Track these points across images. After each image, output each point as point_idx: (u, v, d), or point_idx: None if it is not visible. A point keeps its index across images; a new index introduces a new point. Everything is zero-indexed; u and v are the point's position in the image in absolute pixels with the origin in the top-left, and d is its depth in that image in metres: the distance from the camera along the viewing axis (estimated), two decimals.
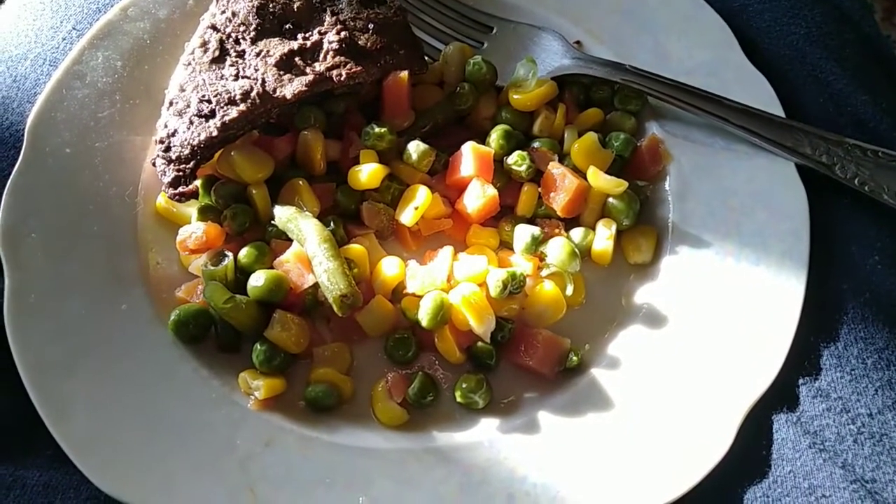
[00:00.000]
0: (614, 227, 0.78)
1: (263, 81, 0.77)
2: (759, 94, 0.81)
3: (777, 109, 0.80)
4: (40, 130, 0.78)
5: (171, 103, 0.78)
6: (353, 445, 0.69)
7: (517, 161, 0.78)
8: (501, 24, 0.89)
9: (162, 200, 0.79)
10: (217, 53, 0.79)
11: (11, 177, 0.76)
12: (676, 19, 0.87)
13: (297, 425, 0.70)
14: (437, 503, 0.66)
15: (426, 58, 0.85)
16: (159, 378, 0.71)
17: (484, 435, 0.70)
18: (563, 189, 0.77)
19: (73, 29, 0.87)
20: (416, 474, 0.68)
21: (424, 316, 0.70)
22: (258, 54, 0.78)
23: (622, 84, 0.82)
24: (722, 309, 0.74)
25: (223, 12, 0.80)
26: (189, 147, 0.75)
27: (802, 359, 0.71)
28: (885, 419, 0.67)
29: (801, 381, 0.70)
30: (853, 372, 0.69)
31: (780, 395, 0.69)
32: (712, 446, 0.67)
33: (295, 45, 0.78)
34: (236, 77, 0.77)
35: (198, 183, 0.78)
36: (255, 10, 0.80)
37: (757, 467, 0.68)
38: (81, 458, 0.67)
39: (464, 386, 0.71)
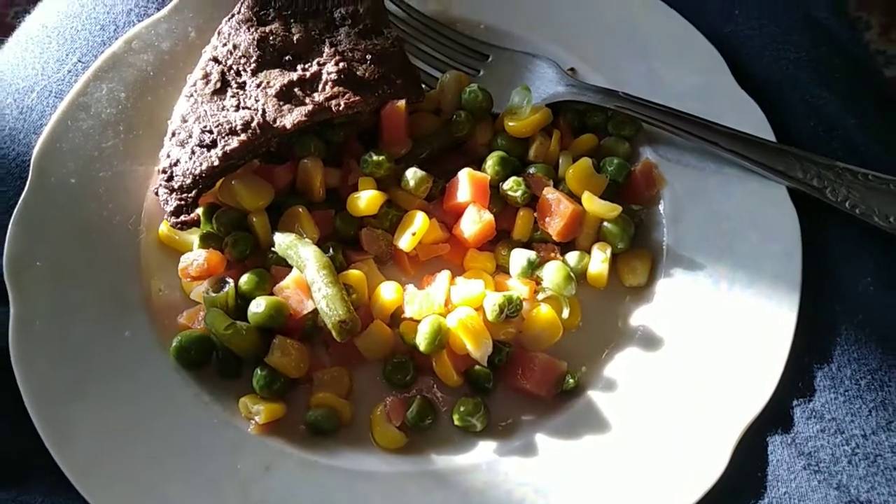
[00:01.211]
0: (609, 251, 0.79)
1: (264, 112, 0.78)
2: (750, 119, 0.83)
3: (768, 134, 0.82)
4: (46, 161, 0.80)
5: (173, 134, 0.80)
6: (353, 469, 0.70)
7: (512, 187, 0.80)
8: (497, 52, 0.91)
9: (164, 228, 0.81)
10: (218, 85, 0.81)
11: (17, 206, 0.77)
12: (668, 45, 0.88)
13: (297, 449, 0.71)
14: None
15: (423, 86, 0.86)
16: (161, 403, 0.72)
17: (482, 458, 0.71)
18: (558, 214, 0.79)
19: (79, 61, 0.89)
20: (415, 497, 0.68)
21: (422, 340, 0.71)
22: (258, 85, 0.80)
23: (615, 110, 0.84)
24: (716, 331, 0.75)
25: (224, 45, 0.83)
26: (191, 176, 0.77)
27: (796, 380, 0.72)
28: (880, 440, 0.67)
29: (795, 402, 0.71)
30: (847, 393, 0.70)
31: (775, 417, 0.70)
32: (708, 468, 0.67)
33: (294, 76, 0.80)
34: (237, 108, 0.79)
35: (199, 211, 0.79)
36: (255, 42, 0.82)
37: (752, 489, 0.68)
38: (84, 483, 0.68)
39: (462, 409, 0.72)
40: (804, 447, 0.68)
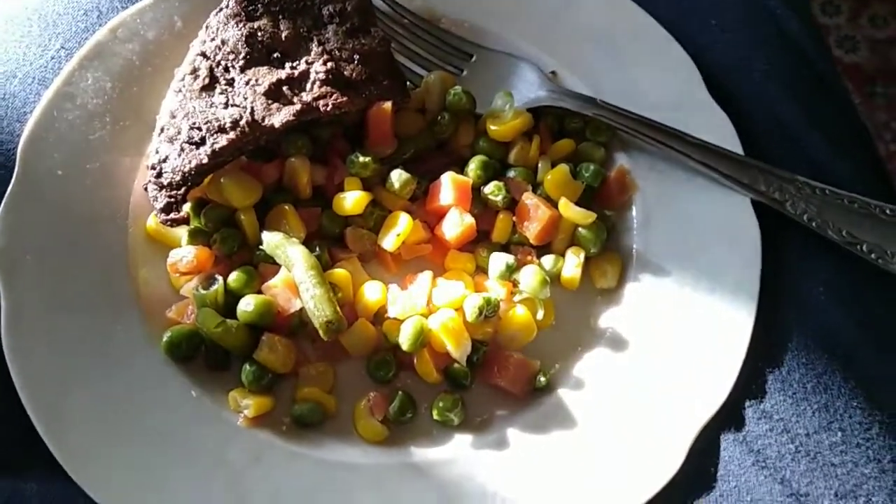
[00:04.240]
0: (583, 255, 0.83)
1: (252, 110, 0.80)
2: (721, 131, 0.86)
3: (736, 146, 0.85)
4: (32, 152, 0.80)
5: (162, 129, 0.81)
6: (337, 461, 0.74)
7: (493, 191, 0.83)
8: (481, 52, 0.93)
9: (152, 222, 0.82)
10: (207, 81, 0.82)
11: (5, 198, 0.78)
12: (646, 54, 0.91)
13: (284, 441, 0.75)
14: None
15: (408, 83, 0.88)
16: (153, 395, 0.75)
17: (458, 451, 0.76)
18: (535, 219, 0.82)
19: (62, 48, 0.89)
20: (395, 489, 0.73)
21: (405, 340, 0.75)
22: (247, 83, 0.81)
23: (593, 117, 0.87)
24: (678, 334, 0.79)
25: (212, 39, 0.83)
26: (180, 174, 0.78)
27: (750, 383, 0.77)
28: (821, 438, 0.74)
29: (747, 403, 0.76)
30: (795, 395, 0.76)
31: (729, 417, 0.76)
32: (666, 463, 0.73)
33: (283, 74, 0.82)
34: (226, 105, 0.80)
35: (187, 208, 0.81)
36: (244, 38, 0.82)
37: (705, 482, 0.74)
38: (77, 471, 0.70)
39: (440, 405, 0.76)
40: (754, 445, 0.74)
